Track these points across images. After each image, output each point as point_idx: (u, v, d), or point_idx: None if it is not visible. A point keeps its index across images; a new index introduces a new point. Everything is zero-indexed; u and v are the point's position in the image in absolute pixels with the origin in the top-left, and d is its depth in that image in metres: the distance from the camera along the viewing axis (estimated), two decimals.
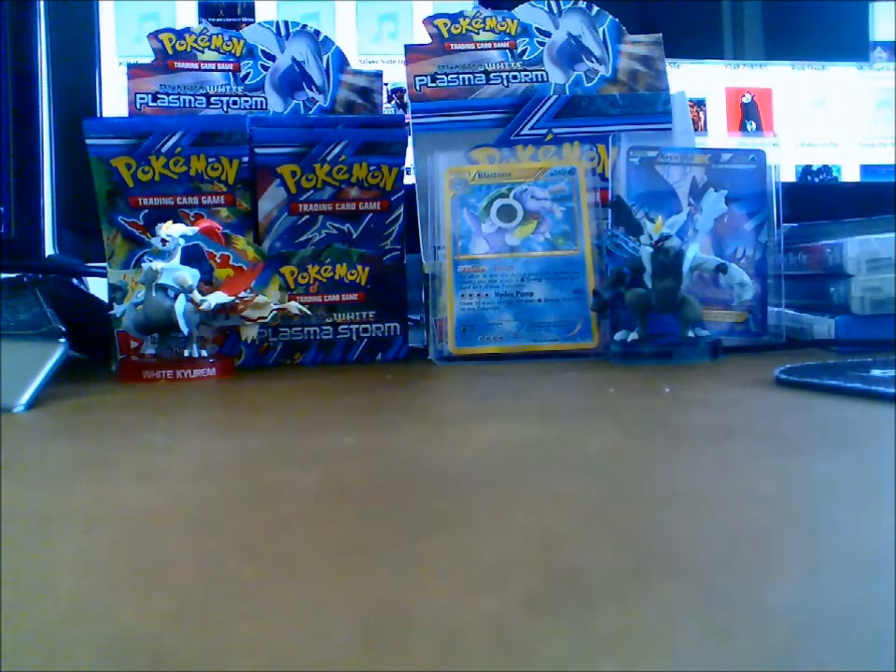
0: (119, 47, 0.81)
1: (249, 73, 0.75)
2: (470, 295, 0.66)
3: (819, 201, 0.89)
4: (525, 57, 0.75)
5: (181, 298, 0.58)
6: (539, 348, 0.65)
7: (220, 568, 0.19)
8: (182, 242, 0.59)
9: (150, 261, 0.58)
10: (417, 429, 0.38)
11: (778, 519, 0.22)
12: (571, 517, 0.23)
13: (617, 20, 0.76)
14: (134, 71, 0.73)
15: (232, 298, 0.61)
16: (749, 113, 0.91)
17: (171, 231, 0.59)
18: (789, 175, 0.91)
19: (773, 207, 0.67)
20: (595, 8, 0.76)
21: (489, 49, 0.75)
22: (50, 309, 0.60)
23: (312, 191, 0.68)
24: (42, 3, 0.79)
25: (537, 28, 0.76)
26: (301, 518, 0.24)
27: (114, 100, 0.80)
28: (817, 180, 0.92)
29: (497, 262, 0.66)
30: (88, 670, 0.14)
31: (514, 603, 0.17)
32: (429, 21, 0.75)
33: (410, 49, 0.75)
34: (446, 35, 0.75)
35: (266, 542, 0.21)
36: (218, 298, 0.60)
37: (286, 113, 0.75)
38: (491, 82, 0.75)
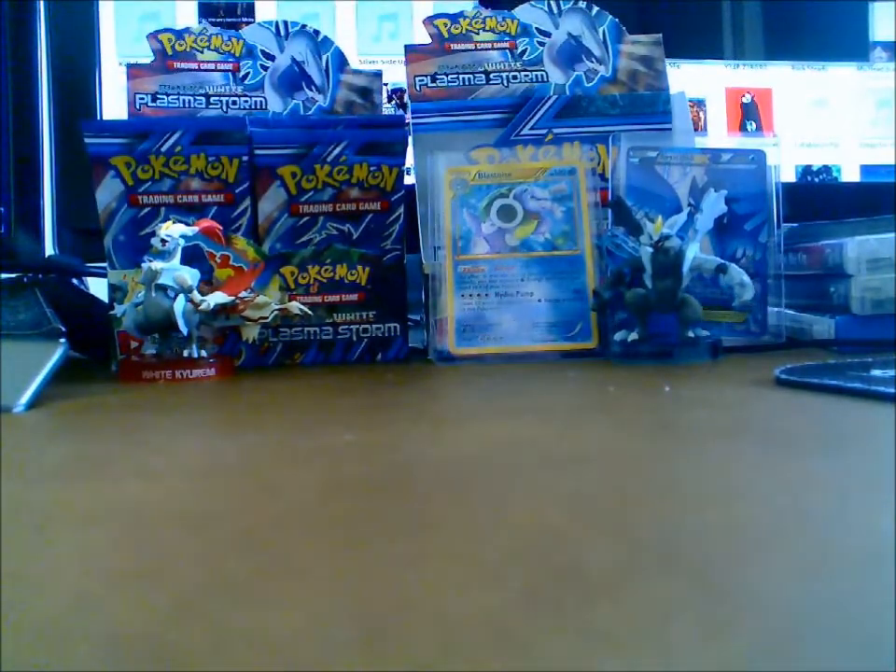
0: (119, 47, 0.81)
1: (249, 73, 0.75)
2: (470, 295, 0.66)
3: (819, 201, 0.89)
4: (525, 57, 0.75)
5: (180, 298, 0.58)
6: (539, 348, 0.65)
7: (220, 565, 0.19)
8: (182, 242, 0.59)
9: (150, 261, 0.58)
10: (418, 428, 0.38)
11: (778, 518, 0.22)
12: (571, 515, 0.23)
13: (617, 20, 0.76)
14: (134, 71, 0.73)
15: (232, 298, 0.61)
16: (748, 113, 0.91)
17: (171, 231, 0.59)
18: (789, 176, 0.91)
19: (773, 207, 0.67)
20: (595, 8, 0.76)
21: (489, 49, 0.75)
22: (50, 309, 0.60)
23: (312, 192, 0.68)
24: (42, 3, 0.79)
25: (537, 28, 0.76)
26: (301, 515, 0.24)
27: (114, 100, 0.80)
28: (817, 180, 0.92)
29: (498, 262, 0.66)
30: (87, 666, 0.14)
31: (513, 599, 0.17)
32: (429, 21, 0.75)
33: (410, 49, 0.75)
34: (446, 35, 0.75)
35: (266, 539, 0.21)
36: (218, 298, 0.60)
37: (285, 113, 0.75)
38: (491, 82, 0.75)
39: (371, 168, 0.68)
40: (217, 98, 0.74)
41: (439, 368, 0.63)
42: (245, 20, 0.82)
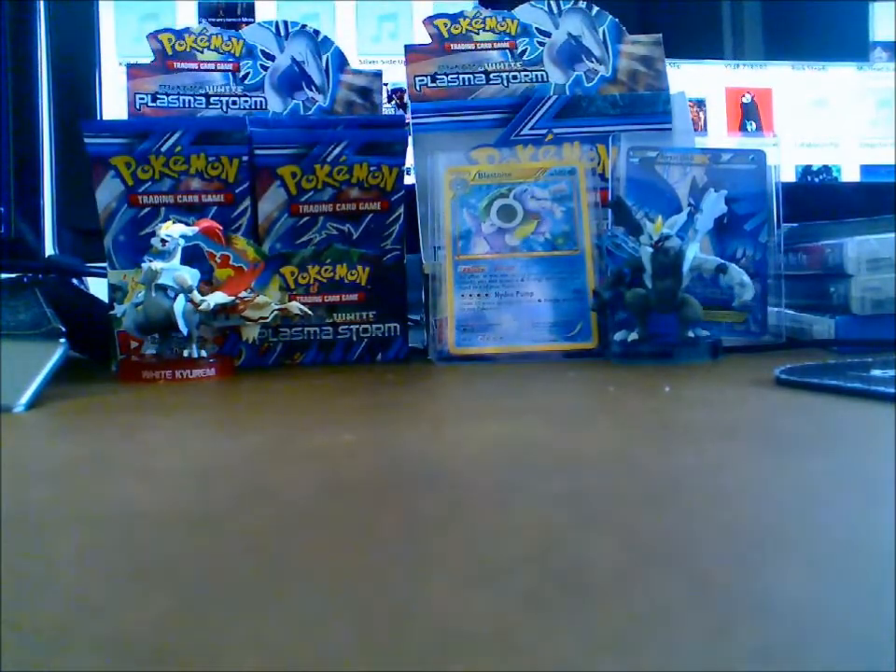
0: (119, 47, 0.81)
1: (249, 73, 0.75)
2: (470, 295, 0.66)
3: (819, 201, 0.89)
4: (525, 57, 0.75)
5: (180, 298, 0.58)
6: (538, 348, 0.65)
7: (220, 565, 0.19)
8: (182, 242, 0.59)
9: (150, 261, 0.58)
10: (417, 428, 0.38)
11: (778, 518, 0.22)
12: (571, 515, 0.23)
13: (617, 20, 0.76)
14: (134, 71, 0.73)
15: (232, 298, 0.61)
16: (748, 113, 0.91)
17: (171, 231, 0.59)
18: (789, 176, 0.91)
19: (773, 207, 0.67)
20: (595, 8, 0.76)
21: (489, 49, 0.75)
22: (50, 309, 0.60)
23: (312, 192, 0.68)
24: (42, 3, 0.79)
25: (537, 28, 0.76)
26: (301, 515, 0.24)
27: (114, 100, 0.80)
28: (817, 180, 0.92)
29: (498, 262, 0.66)
30: (87, 666, 0.14)
31: (514, 599, 0.17)
32: (429, 21, 0.75)
33: (410, 49, 0.75)
34: (446, 36, 0.75)
35: (266, 539, 0.21)
36: (218, 298, 0.60)
37: (285, 113, 0.75)
38: (491, 82, 0.75)
39: (371, 168, 0.68)
40: (217, 98, 0.74)
41: (439, 368, 0.63)
42: (245, 20, 0.82)
